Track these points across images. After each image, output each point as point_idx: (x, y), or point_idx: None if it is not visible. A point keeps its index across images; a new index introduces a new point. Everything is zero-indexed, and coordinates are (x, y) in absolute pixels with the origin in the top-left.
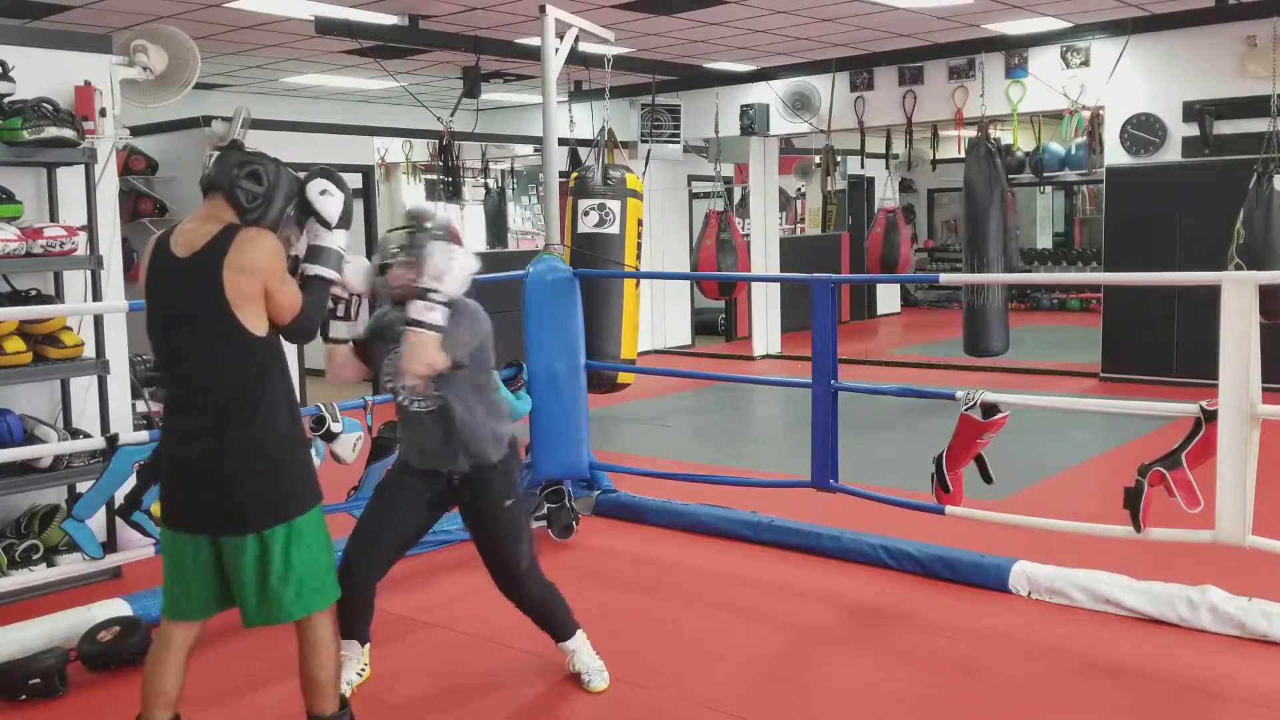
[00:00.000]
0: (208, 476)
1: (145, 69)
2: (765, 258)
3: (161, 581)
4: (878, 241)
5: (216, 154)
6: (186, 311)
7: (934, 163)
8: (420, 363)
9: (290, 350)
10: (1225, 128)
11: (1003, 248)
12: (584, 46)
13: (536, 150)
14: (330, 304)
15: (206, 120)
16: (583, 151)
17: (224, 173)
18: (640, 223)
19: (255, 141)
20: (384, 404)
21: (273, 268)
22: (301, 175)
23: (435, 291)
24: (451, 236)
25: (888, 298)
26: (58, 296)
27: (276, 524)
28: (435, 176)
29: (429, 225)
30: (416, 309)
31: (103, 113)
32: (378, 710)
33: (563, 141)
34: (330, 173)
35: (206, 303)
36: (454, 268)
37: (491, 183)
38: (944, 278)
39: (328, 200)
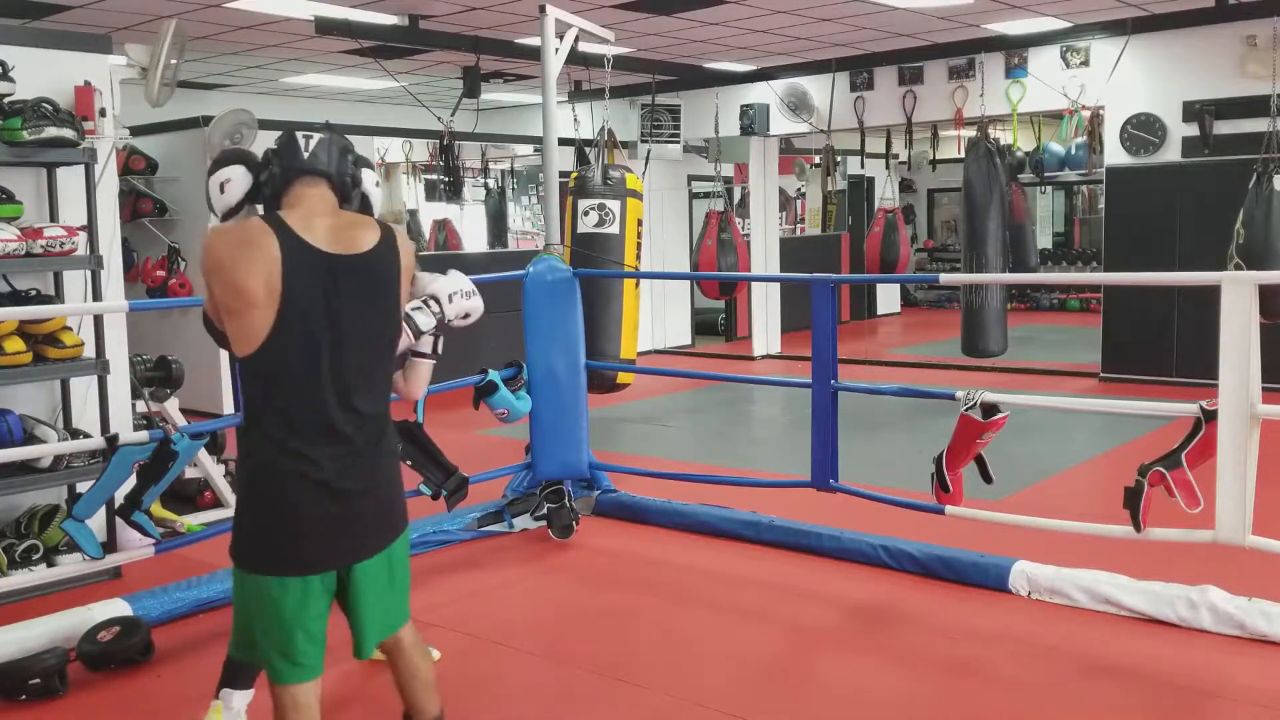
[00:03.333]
0: (370, 497)
1: (139, 68)
2: (765, 258)
3: (261, 635)
4: (877, 241)
5: (319, 136)
6: (356, 318)
7: (934, 163)
8: (423, 389)
9: None
10: (1225, 128)
11: (1006, 247)
12: (584, 46)
13: (536, 150)
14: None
15: (206, 120)
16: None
17: (339, 159)
18: (640, 223)
19: (255, 142)
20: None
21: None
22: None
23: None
24: None
25: (888, 298)
26: (58, 296)
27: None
28: (435, 176)
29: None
30: (426, 343)
31: (103, 113)
32: (377, 710)
33: (566, 141)
34: (368, 161)
35: (381, 309)
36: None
37: (491, 183)
38: (944, 278)
39: (378, 191)
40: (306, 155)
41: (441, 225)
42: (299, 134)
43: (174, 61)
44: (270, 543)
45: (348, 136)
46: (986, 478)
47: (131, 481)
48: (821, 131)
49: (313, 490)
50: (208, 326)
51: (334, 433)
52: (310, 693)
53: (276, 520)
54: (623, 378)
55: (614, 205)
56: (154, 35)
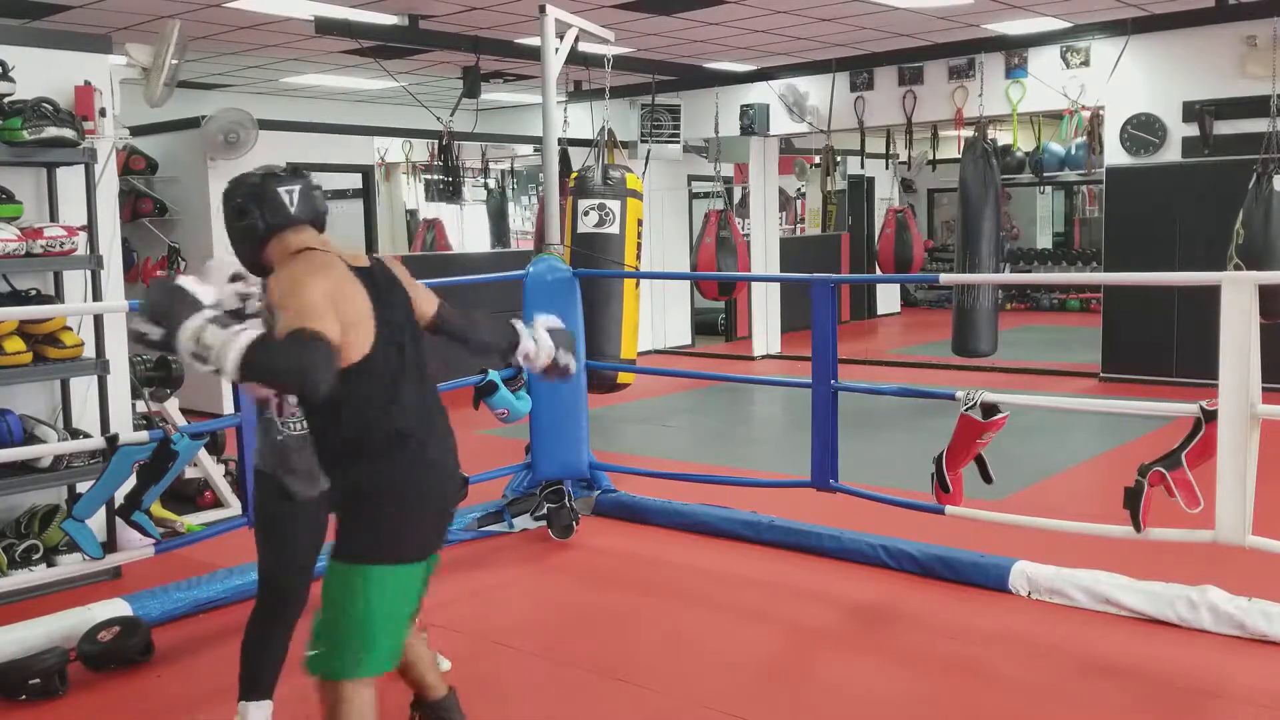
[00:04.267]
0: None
1: (141, 68)
2: (765, 258)
3: (379, 629)
4: (890, 242)
5: (298, 188)
6: (402, 315)
7: (934, 163)
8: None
9: None
10: (1225, 128)
11: (999, 246)
12: (584, 46)
13: (536, 150)
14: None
15: (205, 120)
16: (582, 151)
17: (318, 202)
18: (640, 223)
19: (255, 142)
20: None
21: None
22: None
23: None
24: None
25: (888, 298)
26: (58, 296)
27: None
28: (435, 176)
29: None
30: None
31: (103, 113)
32: (378, 709)
33: (572, 143)
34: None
35: (403, 303)
36: None
37: (491, 183)
38: (944, 278)
39: None
40: (294, 210)
41: (431, 225)
42: (280, 189)
43: (175, 62)
44: (406, 531)
45: (346, 136)
46: (986, 478)
47: (131, 481)
48: (821, 131)
49: (435, 477)
50: (286, 355)
51: (431, 421)
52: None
53: (409, 509)
54: (623, 378)
55: (614, 205)
56: (155, 35)
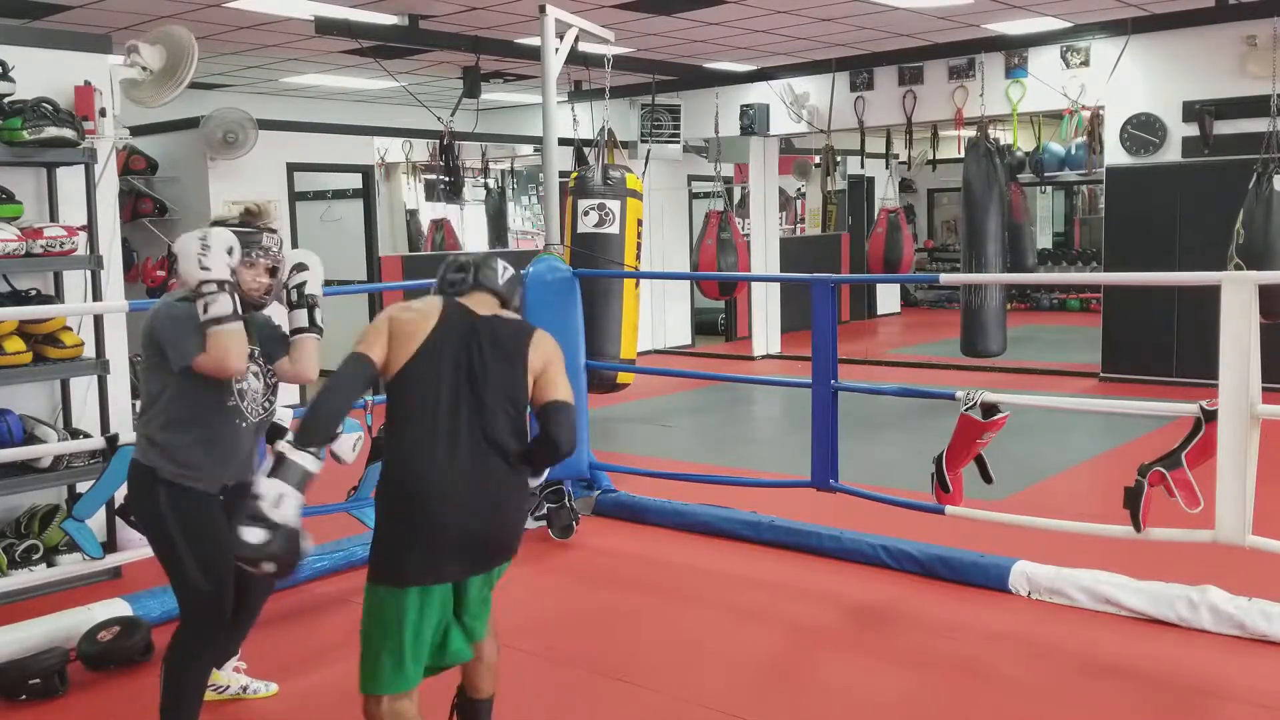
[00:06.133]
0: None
1: (144, 69)
2: (765, 258)
3: (373, 648)
4: (880, 242)
5: (513, 272)
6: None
7: (934, 163)
8: (315, 369)
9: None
10: (1225, 128)
11: (1005, 246)
12: (584, 46)
13: (536, 150)
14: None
15: (205, 120)
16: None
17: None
18: (640, 223)
19: (254, 141)
20: (383, 404)
21: None
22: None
23: (313, 296)
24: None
25: (888, 298)
26: (58, 296)
27: None
28: (435, 176)
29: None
30: (303, 315)
31: (103, 113)
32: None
33: (566, 141)
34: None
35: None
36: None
37: (491, 183)
38: (944, 278)
39: None
40: (502, 283)
41: (439, 225)
42: (499, 263)
43: (186, 75)
44: (396, 554)
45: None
46: (986, 478)
47: None
48: (821, 131)
49: (430, 506)
50: None
51: (437, 451)
52: (404, 704)
53: (397, 532)
54: (623, 378)
55: (614, 205)
56: (166, 37)
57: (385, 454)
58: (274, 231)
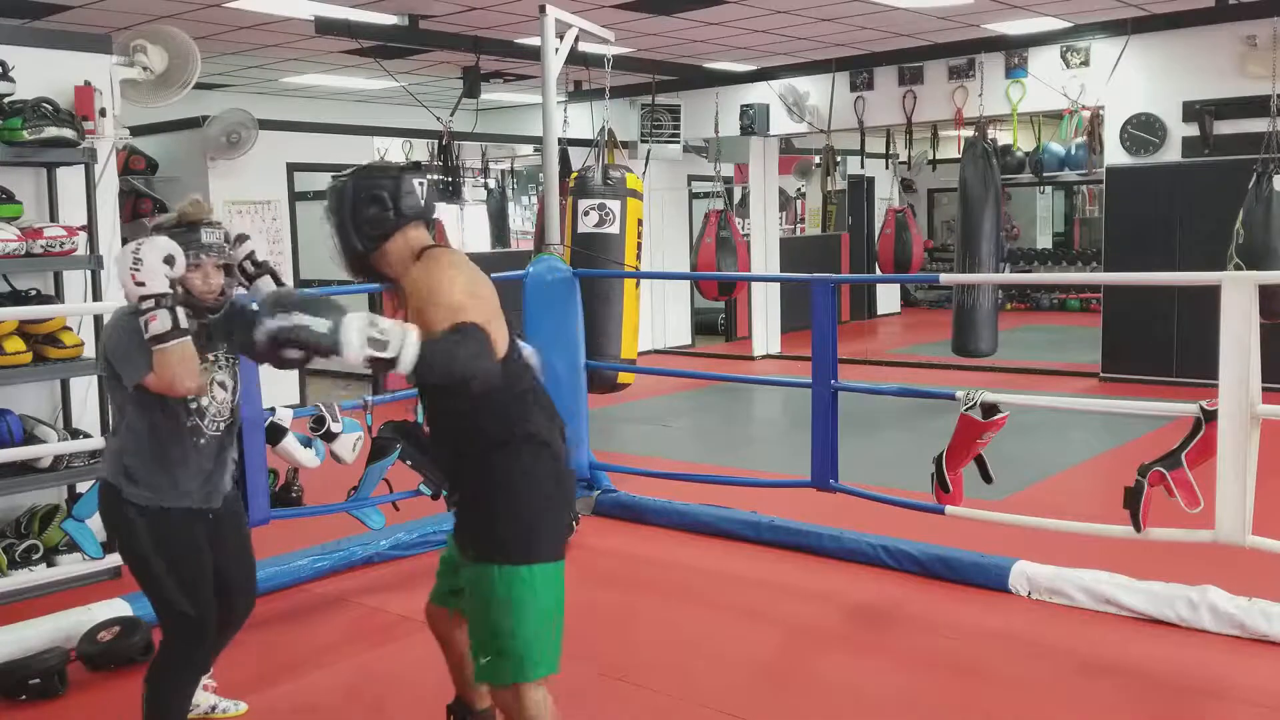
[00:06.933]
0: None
1: (146, 69)
2: (765, 258)
3: (535, 630)
4: (889, 242)
5: (424, 182)
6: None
7: (934, 163)
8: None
9: None
10: (1225, 128)
11: (999, 246)
12: (584, 46)
13: (536, 150)
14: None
15: (206, 121)
16: (582, 151)
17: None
18: (640, 223)
19: (254, 141)
20: (383, 404)
21: None
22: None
23: (268, 261)
24: None
25: (888, 298)
26: (58, 296)
27: None
28: (435, 176)
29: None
30: (269, 282)
31: (103, 113)
32: (379, 710)
33: (573, 143)
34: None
35: None
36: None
37: (491, 183)
38: (945, 278)
39: None
40: (423, 204)
41: (430, 223)
42: (415, 181)
43: (190, 79)
44: (551, 527)
45: (346, 136)
46: (986, 478)
47: None
48: (821, 131)
49: (566, 472)
50: (460, 354)
51: (554, 415)
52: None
53: (554, 506)
54: (623, 378)
55: (614, 205)
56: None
57: (523, 427)
58: (216, 225)
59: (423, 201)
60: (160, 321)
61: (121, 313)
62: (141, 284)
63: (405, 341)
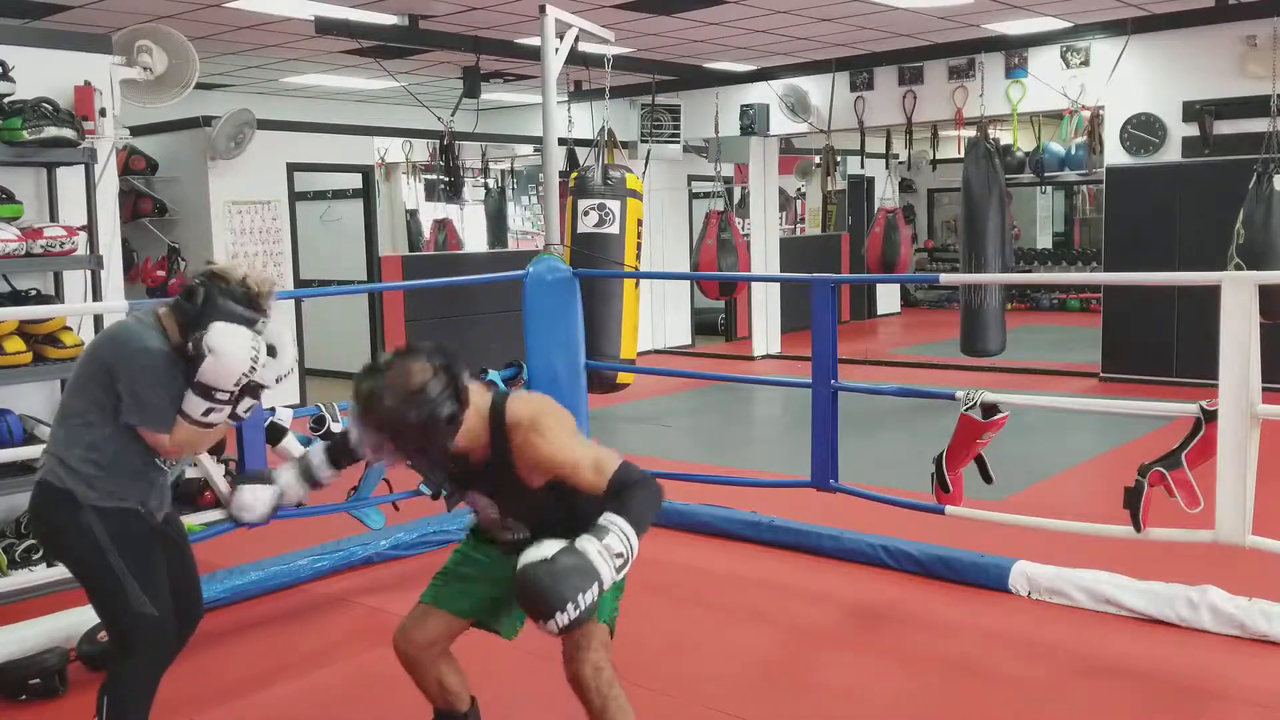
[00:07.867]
0: None
1: (146, 69)
2: (765, 258)
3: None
4: (877, 241)
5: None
6: None
7: (934, 163)
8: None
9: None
10: (1225, 128)
11: (1004, 246)
12: (584, 46)
13: (536, 150)
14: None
15: (206, 120)
16: (582, 151)
17: None
18: (640, 223)
19: (254, 141)
20: None
21: None
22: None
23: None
24: None
25: (888, 298)
26: (58, 296)
27: None
28: (435, 176)
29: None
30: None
31: (103, 113)
32: (379, 710)
33: (562, 141)
34: None
35: None
36: None
37: (491, 183)
38: (944, 278)
39: None
40: (461, 365)
41: (441, 225)
42: (457, 367)
43: (190, 80)
44: None
45: (346, 136)
46: (986, 478)
47: None
48: (821, 131)
49: None
50: None
51: None
52: None
53: None
54: (623, 378)
55: (614, 205)
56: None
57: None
58: (266, 317)
59: (458, 365)
60: (223, 413)
61: (141, 330)
62: (254, 375)
63: (627, 537)
